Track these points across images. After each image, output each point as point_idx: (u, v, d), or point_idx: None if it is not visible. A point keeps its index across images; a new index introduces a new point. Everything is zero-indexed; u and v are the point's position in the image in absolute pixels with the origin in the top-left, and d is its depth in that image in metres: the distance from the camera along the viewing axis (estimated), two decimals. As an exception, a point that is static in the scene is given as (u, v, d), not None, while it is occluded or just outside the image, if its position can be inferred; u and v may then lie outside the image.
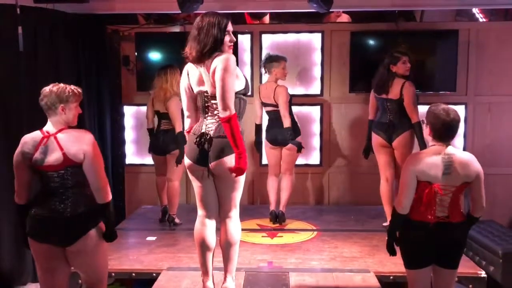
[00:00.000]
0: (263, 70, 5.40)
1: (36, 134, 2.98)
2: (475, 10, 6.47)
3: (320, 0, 4.75)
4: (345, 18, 6.52)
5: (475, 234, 4.90)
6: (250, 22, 6.53)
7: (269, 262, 4.35)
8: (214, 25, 3.23)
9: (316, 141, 6.21)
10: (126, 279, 4.43)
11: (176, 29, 6.08)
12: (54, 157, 2.93)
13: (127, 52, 6.19)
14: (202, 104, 3.36)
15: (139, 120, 6.16)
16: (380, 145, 5.00)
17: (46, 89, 2.99)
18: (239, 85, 3.28)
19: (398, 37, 5.70)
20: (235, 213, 3.45)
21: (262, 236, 5.05)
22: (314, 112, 6.20)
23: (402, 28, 5.97)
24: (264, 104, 5.31)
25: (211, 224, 3.46)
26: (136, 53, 6.13)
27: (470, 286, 4.01)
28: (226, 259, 3.48)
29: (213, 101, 3.30)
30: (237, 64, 3.33)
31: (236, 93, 3.25)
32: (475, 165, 3.07)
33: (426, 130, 3.14)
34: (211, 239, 3.45)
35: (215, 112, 3.31)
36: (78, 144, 2.94)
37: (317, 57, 6.13)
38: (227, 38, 3.28)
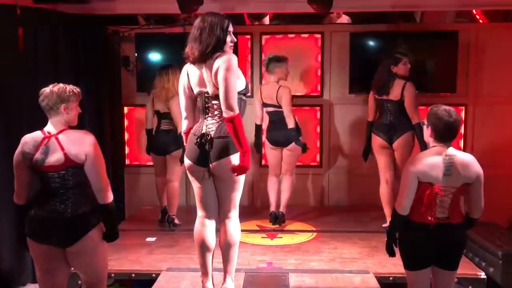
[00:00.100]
0: (265, 71, 5.38)
1: (37, 135, 2.98)
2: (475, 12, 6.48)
3: (320, 1, 4.75)
4: (345, 19, 6.53)
5: (475, 235, 4.90)
6: (248, 23, 6.54)
7: (269, 263, 4.35)
8: (217, 25, 3.24)
9: (316, 142, 6.21)
10: (126, 280, 4.43)
11: (176, 30, 6.07)
12: (55, 157, 2.92)
13: (127, 53, 6.19)
14: (202, 104, 3.36)
15: (139, 120, 6.16)
16: (381, 146, 5.00)
17: (46, 89, 2.99)
18: (240, 86, 3.29)
19: (398, 39, 5.71)
20: (234, 213, 3.45)
21: (262, 237, 5.05)
22: (314, 113, 6.21)
23: (402, 29, 5.97)
24: (265, 105, 5.31)
25: (211, 225, 3.46)
26: (136, 54, 6.13)
27: (470, 287, 4.01)
28: (226, 260, 3.48)
29: (213, 102, 3.31)
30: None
31: (237, 93, 3.25)
32: (476, 166, 3.07)
33: (427, 131, 3.14)
34: (211, 240, 3.45)
35: (215, 112, 3.32)
36: (80, 145, 2.94)
37: (317, 58, 6.14)
38: (228, 39, 3.29)
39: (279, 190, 5.42)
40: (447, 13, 6.44)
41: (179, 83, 3.44)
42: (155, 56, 6.16)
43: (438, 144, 3.09)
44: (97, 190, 2.98)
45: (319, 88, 6.19)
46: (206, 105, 3.34)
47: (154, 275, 4.11)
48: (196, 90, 3.36)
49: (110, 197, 3.02)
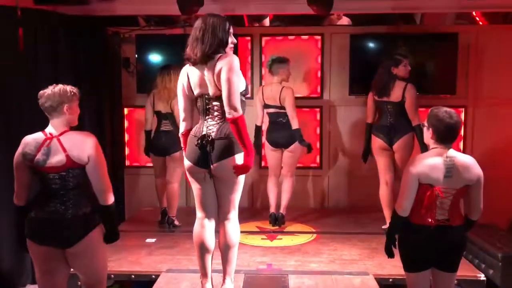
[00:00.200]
0: (268, 72, 5.37)
1: (38, 136, 2.98)
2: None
3: (320, 2, 4.76)
4: (345, 21, 6.53)
5: (474, 237, 4.90)
6: (247, 25, 6.55)
7: (269, 264, 4.35)
8: (219, 27, 3.25)
9: (315, 144, 6.21)
10: (126, 281, 4.42)
11: (177, 31, 6.07)
12: (56, 159, 2.92)
13: (128, 54, 6.20)
14: (202, 106, 3.36)
15: (139, 122, 6.16)
16: (381, 148, 5.00)
17: (47, 91, 2.98)
18: (240, 87, 3.29)
19: (398, 40, 5.71)
20: (234, 215, 3.45)
21: (262, 239, 5.05)
22: (314, 114, 6.21)
23: (402, 31, 5.97)
24: (266, 106, 5.31)
25: (210, 226, 3.46)
26: (136, 55, 6.14)
27: (469, 289, 4.02)
28: (225, 261, 3.49)
29: (214, 103, 3.31)
30: None
31: None
32: (476, 168, 3.08)
33: (427, 133, 3.14)
34: (210, 241, 3.45)
35: (216, 113, 3.32)
36: (82, 146, 2.95)
37: (317, 59, 6.14)
38: (229, 40, 3.30)
39: (279, 192, 5.42)
40: (447, 15, 6.44)
41: (178, 84, 3.43)
42: (155, 58, 6.16)
43: (438, 146, 3.09)
44: (98, 192, 2.98)
45: (319, 90, 6.20)
46: (207, 107, 3.34)
47: (153, 276, 4.11)
48: (196, 91, 3.36)
49: (112, 199, 3.03)
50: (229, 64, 3.19)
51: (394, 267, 4.03)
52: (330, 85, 6.18)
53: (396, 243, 3.22)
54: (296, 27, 6.26)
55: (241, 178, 3.39)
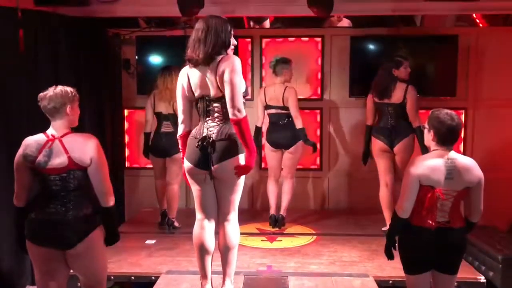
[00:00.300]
0: (272, 72, 5.37)
1: (40, 137, 2.98)
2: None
3: (320, 4, 4.76)
4: (345, 23, 6.54)
5: (474, 239, 4.89)
6: (247, 26, 6.55)
7: (268, 266, 4.34)
8: (222, 28, 3.26)
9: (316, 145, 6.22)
10: (125, 282, 4.41)
11: (177, 32, 6.08)
12: (58, 160, 2.92)
13: (128, 56, 6.21)
14: (203, 107, 3.36)
15: (139, 123, 6.16)
16: (381, 150, 5.00)
17: (49, 92, 2.98)
18: (242, 88, 3.30)
19: (398, 42, 5.73)
20: (233, 216, 3.45)
21: (262, 240, 5.05)
22: (314, 116, 6.21)
23: (402, 33, 5.98)
24: (268, 107, 5.31)
25: (210, 228, 3.46)
26: (136, 57, 6.14)
27: (469, 291, 4.01)
28: (225, 262, 3.49)
29: (214, 105, 3.31)
30: None
31: None
32: (477, 170, 3.08)
33: (428, 135, 3.13)
34: (210, 242, 3.45)
35: (216, 115, 3.32)
36: (84, 148, 2.95)
37: (317, 61, 6.14)
38: (231, 41, 3.31)
39: (279, 193, 5.42)
40: (447, 17, 6.45)
41: (177, 85, 3.43)
42: (155, 59, 6.17)
43: (439, 148, 3.09)
44: (100, 194, 2.99)
45: (319, 91, 6.20)
46: (207, 108, 3.34)
47: (153, 277, 4.11)
48: (197, 92, 3.35)
49: (112, 201, 3.04)
50: (232, 66, 3.20)
51: (394, 269, 4.03)
52: (330, 87, 6.19)
53: (396, 245, 3.22)
54: (297, 29, 6.26)
55: (241, 180, 3.39)
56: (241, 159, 3.31)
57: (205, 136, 3.29)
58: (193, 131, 3.41)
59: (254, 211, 6.15)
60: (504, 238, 5.01)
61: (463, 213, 3.19)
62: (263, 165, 6.16)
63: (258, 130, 5.46)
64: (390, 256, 3.25)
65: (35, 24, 4.73)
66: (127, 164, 6.38)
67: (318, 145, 6.20)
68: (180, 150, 3.50)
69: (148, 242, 4.96)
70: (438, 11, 5.67)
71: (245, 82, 3.43)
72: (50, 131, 2.99)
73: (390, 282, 4.06)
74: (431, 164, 3.04)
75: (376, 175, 5.13)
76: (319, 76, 6.18)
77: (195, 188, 3.44)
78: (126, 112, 6.35)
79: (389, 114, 4.93)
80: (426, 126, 3.14)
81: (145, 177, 6.18)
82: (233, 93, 3.18)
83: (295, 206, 5.84)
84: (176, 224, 5.32)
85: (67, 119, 2.99)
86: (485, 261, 4.70)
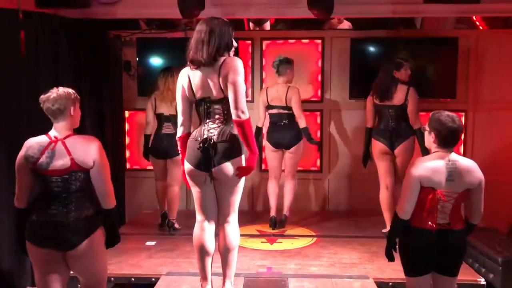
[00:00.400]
0: (275, 72, 5.37)
1: (42, 139, 2.98)
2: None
3: (320, 7, 4.77)
4: (345, 25, 6.55)
5: (474, 241, 4.89)
6: (247, 29, 6.57)
7: (268, 267, 4.34)
8: (225, 30, 3.27)
9: (316, 148, 6.21)
10: (126, 284, 4.41)
11: (178, 34, 6.09)
12: (61, 162, 2.92)
13: (129, 58, 6.22)
14: (204, 109, 3.36)
15: (140, 124, 6.17)
16: (381, 152, 5.00)
17: (52, 94, 2.97)
18: None
19: (398, 44, 5.73)
20: (234, 217, 3.46)
21: (262, 242, 5.05)
22: (314, 118, 6.21)
23: (403, 35, 5.98)
24: (270, 107, 5.31)
25: (210, 229, 3.46)
26: (137, 59, 6.15)
27: (470, 293, 4.01)
28: (225, 264, 3.49)
29: (215, 106, 3.32)
30: None
31: None
32: (478, 172, 3.08)
33: (429, 137, 3.13)
34: (210, 244, 3.45)
35: (216, 117, 3.33)
36: (87, 150, 2.95)
37: (317, 63, 6.15)
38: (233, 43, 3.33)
39: (280, 194, 5.42)
40: (447, 20, 6.46)
41: (177, 87, 3.42)
42: (156, 61, 6.18)
43: (440, 150, 3.09)
44: (101, 196, 2.99)
45: (319, 93, 6.21)
46: (208, 110, 3.35)
47: (153, 279, 4.11)
48: (198, 94, 3.35)
49: (113, 203, 3.04)
50: (235, 67, 3.21)
51: (394, 271, 4.03)
52: (331, 89, 6.20)
53: (397, 246, 3.22)
54: (297, 31, 6.27)
55: (242, 181, 3.40)
56: (243, 160, 3.31)
57: (206, 138, 3.30)
58: (193, 133, 3.41)
59: (254, 212, 6.15)
60: (504, 240, 5.00)
61: (463, 215, 3.20)
62: (263, 167, 6.16)
63: (259, 130, 5.45)
64: (390, 258, 3.25)
65: (36, 25, 4.74)
66: (127, 166, 6.39)
67: (318, 147, 6.22)
68: (180, 152, 3.50)
69: (148, 243, 4.96)
70: (438, 14, 5.68)
71: (245, 84, 3.43)
72: (53, 132, 2.99)
73: (390, 284, 4.06)
74: (432, 165, 3.05)
75: (376, 177, 5.13)
76: (319, 78, 6.19)
77: (195, 190, 3.44)
78: (126, 113, 6.35)
79: (390, 116, 4.93)
80: (427, 128, 3.14)
81: (145, 179, 6.18)
82: (237, 94, 3.19)
83: (295, 208, 5.84)
84: (176, 225, 5.32)
85: (69, 121, 2.99)
86: (485, 263, 4.70)
